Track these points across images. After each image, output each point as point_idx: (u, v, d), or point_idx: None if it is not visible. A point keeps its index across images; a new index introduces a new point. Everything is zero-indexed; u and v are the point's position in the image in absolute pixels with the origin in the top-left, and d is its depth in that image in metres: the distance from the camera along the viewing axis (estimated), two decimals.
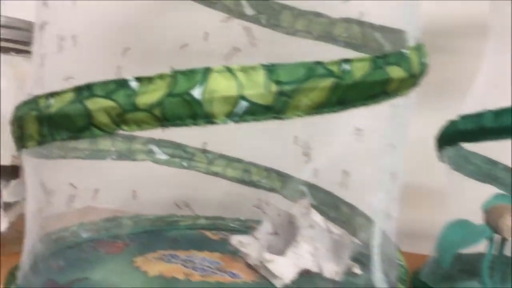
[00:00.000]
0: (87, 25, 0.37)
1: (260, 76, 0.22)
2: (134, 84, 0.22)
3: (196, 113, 0.22)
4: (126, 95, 0.22)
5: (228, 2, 0.46)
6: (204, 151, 0.48)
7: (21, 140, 0.26)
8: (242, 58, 0.34)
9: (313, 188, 0.46)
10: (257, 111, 0.22)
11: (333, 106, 0.23)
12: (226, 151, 0.48)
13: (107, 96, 0.22)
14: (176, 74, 0.22)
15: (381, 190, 0.28)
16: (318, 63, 0.22)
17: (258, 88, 0.22)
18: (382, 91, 0.24)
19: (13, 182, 0.36)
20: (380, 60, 0.24)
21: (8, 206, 0.36)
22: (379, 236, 0.29)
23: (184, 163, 0.48)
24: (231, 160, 0.49)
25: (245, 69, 0.22)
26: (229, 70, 0.22)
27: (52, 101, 0.24)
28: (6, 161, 0.36)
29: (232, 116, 0.22)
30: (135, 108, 0.22)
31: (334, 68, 0.23)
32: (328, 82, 0.22)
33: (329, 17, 0.43)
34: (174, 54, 0.45)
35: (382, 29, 0.39)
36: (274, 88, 0.22)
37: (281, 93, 0.22)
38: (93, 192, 0.42)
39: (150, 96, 0.22)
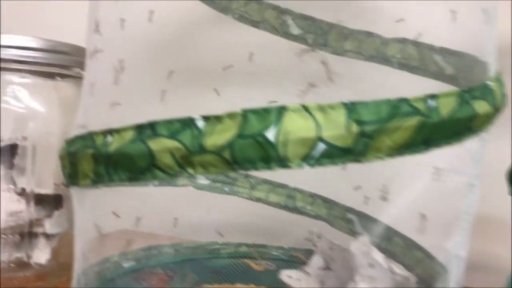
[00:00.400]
0: (133, 49, 0.35)
1: (340, 116, 0.20)
2: (201, 124, 0.20)
3: (269, 157, 0.20)
4: (192, 136, 0.20)
5: (273, 21, 0.44)
6: (247, 176, 0.46)
7: (73, 177, 0.25)
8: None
9: (362, 217, 0.43)
10: (335, 154, 0.20)
11: (416, 146, 0.21)
12: (270, 176, 0.46)
13: (172, 136, 0.20)
14: (246, 113, 0.20)
15: (458, 234, 0.25)
16: (402, 100, 0.20)
17: (337, 128, 0.20)
18: (467, 128, 0.22)
19: (56, 213, 0.35)
20: (467, 94, 0.22)
21: (50, 237, 0.35)
22: (453, 282, 0.26)
23: (226, 188, 0.46)
24: (274, 185, 0.47)
25: (323, 108, 0.20)
26: (305, 109, 0.20)
27: (110, 138, 0.22)
28: (48, 189, 0.35)
29: (308, 159, 0.20)
30: (202, 150, 0.20)
31: (420, 105, 0.20)
32: (413, 121, 0.20)
33: (381, 37, 0.41)
34: (218, 75, 0.44)
35: (443, 51, 0.37)
36: (355, 128, 0.20)
37: (362, 134, 0.20)
38: (135, 220, 0.41)
39: (218, 137, 0.20)
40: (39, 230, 0.35)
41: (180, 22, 0.41)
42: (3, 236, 0.34)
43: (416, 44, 0.39)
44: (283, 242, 0.46)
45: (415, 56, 0.39)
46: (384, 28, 0.41)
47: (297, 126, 0.19)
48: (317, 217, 0.45)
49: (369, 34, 0.42)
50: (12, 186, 0.33)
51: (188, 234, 0.44)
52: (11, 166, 0.34)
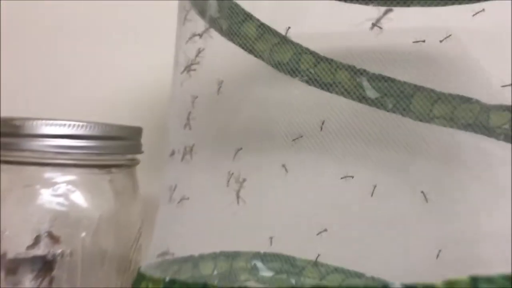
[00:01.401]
0: (202, 131, 0.29)
1: None
2: None
3: None
4: None
5: (347, 83, 0.38)
6: (316, 264, 0.39)
7: None
8: None
9: None
10: None
11: None
12: (344, 263, 0.39)
13: None
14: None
15: None
16: None
17: None
18: None
19: None
20: None
21: None
22: None
23: (292, 280, 0.39)
24: (348, 275, 0.40)
25: None
26: None
27: None
28: None
29: None
30: None
31: None
32: None
33: (480, 103, 0.35)
34: (286, 148, 0.37)
35: None
36: None
37: None
38: None
39: None
40: None
41: (248, 90, 0.34)
42: None
43: None
44: None
45: None
46: (484, 94, 0.35)
47: None
48: None
49: (465, 99, 0.36)
50: None
51: None
52: (49, 280, 0.27)
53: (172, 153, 0.23)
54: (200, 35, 0.29)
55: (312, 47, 0.37)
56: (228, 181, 0.33)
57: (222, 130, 0.32)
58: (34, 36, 0.53)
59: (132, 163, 0.28)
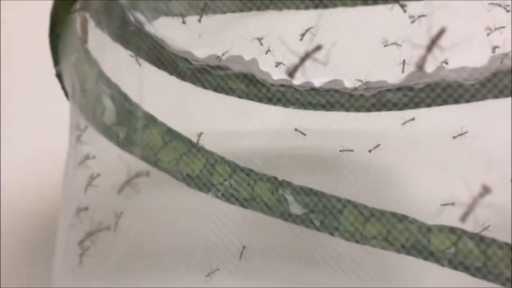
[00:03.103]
0: None
1: None
2: None
3: None
4: None
5: (267, 197, 0.32)
6: None
7: None
8: None
9: None
10: None
11: None
12: None
13: None
14: None
15: None
16: None
17: None
18: None
19: None
20: None
21: None
22: None
23: None
24: None
25: None
26: None
27: None
28: None
29: None
30: None
31: None
32: None
33: (418, 223, 0.31)
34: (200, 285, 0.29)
35: None
36: None
37: None
38: None
39: None
40: None
41: (150, 217, 0.26)
42: None
43: (477, 238, 0.29)
44: None
45: (479, 256, 0.29)
46: (422, 212, 0.31)
47: None
48: None
49: (401, 217, 0.31)
50: None
51: None
52: None
53: None
54: (94, 157, 0.21)
55: (226, 149, 0.31)
56: None
57: (120, 277, 0.22)
58: None
59: None
